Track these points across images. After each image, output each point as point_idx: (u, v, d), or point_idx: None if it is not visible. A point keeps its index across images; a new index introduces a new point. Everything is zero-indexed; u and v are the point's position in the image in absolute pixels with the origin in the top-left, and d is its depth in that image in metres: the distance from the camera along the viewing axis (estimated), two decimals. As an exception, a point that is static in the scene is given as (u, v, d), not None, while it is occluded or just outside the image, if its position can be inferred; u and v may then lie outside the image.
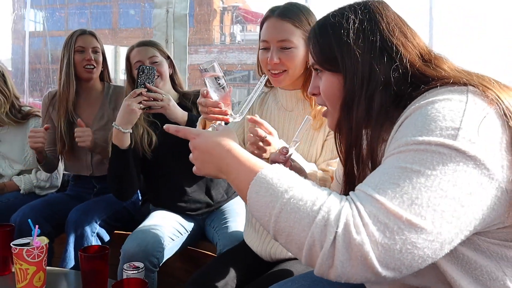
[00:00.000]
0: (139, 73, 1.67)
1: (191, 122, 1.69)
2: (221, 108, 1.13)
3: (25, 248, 1.24)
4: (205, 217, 1.96)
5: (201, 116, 1.22)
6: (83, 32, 2.04)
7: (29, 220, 1.42)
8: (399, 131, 0.72)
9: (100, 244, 1.82)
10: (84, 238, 1.81)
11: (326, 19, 0.88)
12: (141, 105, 1.65)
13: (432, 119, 0.67)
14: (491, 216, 0.67)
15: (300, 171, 1.11)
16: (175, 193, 1.89)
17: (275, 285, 1.12)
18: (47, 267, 1.31)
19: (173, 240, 1.76)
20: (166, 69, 1.87)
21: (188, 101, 1.89)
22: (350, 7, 0.86)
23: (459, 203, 0.63)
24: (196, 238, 1.93)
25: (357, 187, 0.70)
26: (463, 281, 0.71)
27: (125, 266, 1.34)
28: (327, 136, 1.36)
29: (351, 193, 0.69)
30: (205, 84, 1.12)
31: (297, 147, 1.11)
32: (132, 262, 1.35)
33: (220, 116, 1.14)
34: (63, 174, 2.35)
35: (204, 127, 1.30)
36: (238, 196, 2.02)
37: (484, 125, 0.66)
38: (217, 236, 1.77)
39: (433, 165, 0.64)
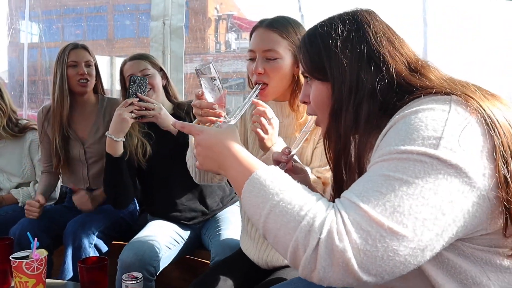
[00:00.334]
0: (131, 83, 1.71)
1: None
2: (215, 110, 1.13)
3: (25, 261, 1.25)
4: (201, 226, 1.97)
5: (195, 120, 1.21)
6: (75, 46, 2.03)
7: (28, 233, 1.43)
8: (384, 140, 0.74)
9: (98, 255, 1.83)
10: (82, 250, 1.81)
11: (315, 28, 0.90)
12: (133, 114, 1.68)
13: (415, 128, 0.68)
14: (473, 223, 0.68)
15: (301, 171, 1.13)
16: (170, 202, 1.90)
17: (274, 287, 1.15)
18: (47, 280, 1.32)
19: (169, 248, 1.78)
20: (158, 81, 1.88)
21: (182, 111, 1.90)
22: (339, 17, 0.88)
23: (440, 211, 0.64)
24: (193, 247, 1.94)
25: (342, 194, 0.72)
26: (448, 286, 0.73)
27: (124, 277, 1.35)
28: (316, 144, 1.37)
29: (336, 200, 0.71)
30: (201, 85, 1.12)
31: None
32: (131, 273, 1.36)
33: (215, 119, 1.14)
34: (61, 186, 2.35)
35: None
36: (233, 205, 2.04)
37: (466, 134, 0.67)
38: (210, 244, 1.79)
39: (415, 174, 0.65)
